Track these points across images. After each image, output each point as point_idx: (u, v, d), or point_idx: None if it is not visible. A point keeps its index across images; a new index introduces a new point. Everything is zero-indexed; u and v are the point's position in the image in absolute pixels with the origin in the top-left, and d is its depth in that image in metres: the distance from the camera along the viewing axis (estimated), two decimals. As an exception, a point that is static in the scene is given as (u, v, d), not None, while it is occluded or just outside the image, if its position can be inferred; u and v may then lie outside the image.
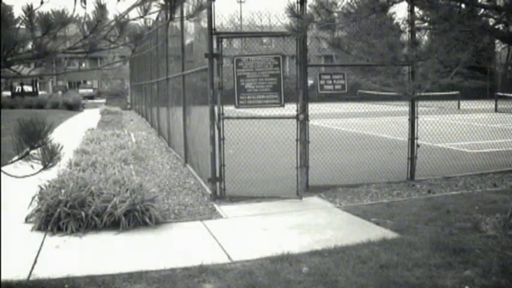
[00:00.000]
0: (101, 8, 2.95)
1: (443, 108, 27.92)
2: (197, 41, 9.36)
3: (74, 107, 33.30)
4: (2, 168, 3.16)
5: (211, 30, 7.33)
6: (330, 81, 7.92)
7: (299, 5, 7.04)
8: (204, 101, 7.92)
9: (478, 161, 10.07)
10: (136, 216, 6.00)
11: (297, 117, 7.49)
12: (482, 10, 6.05)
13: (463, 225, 5.89)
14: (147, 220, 6.02)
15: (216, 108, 7.47)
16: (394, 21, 7.65)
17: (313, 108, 8.74)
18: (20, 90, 41.24)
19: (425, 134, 11.08)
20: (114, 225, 5.91)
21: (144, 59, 19.86)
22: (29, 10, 2.82)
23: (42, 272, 4.63)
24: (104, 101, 42.82)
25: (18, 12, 2.91)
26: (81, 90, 59.39)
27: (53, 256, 5.13)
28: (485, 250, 4.98)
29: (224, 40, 7.82)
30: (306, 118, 7.62)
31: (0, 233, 5.16)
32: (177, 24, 10.81)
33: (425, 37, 7.76)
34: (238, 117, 7.84)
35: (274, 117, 8.05)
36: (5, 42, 2.79)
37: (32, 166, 4.20)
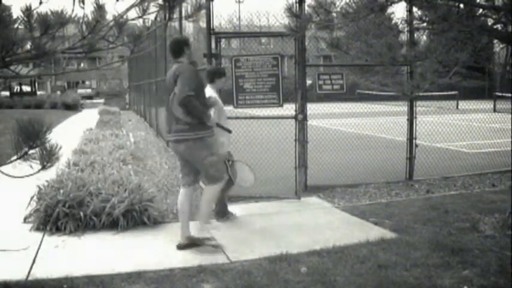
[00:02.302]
0: (100, 8, 2.95)
1: (441, 108, 27.94)
2: (196, 41, 9.37)
3: (72, 107, 33.27)
4: (1, 169, 3.16)
5: (209, 31, 7.33)
6: (329, 81, 7.92)
7: (298, 4, 7.04)
8: (202, 101, 7.91)
9: (476, 161, 10.08)
10: (135, 216, 6.00)
11: (295, 117, 7.50)
12: (480, 10, 6.06)
13: (461, 225, 5.90)
14: (146, 220, 6.02)
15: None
16: (393, 21, 7.65)
17: (312, 108, 8.75)
18: (18, 90, 41.25)
19: (423, 134, 11.09)
20: (113, 225, 5.91)
21: (142, 59, 19.83)
22: (28, 10, 2.82)
23: (41, 272, 4.63)
24: (102, 101, 42.80)
25: (17, 12, 2.91)
26: (80, 90, 59.28)
27: (51, 256, 5.12)
28: (484, 250, 4.98)
29: (223, 40, 7.83)
30: (305, 118, 7.62)
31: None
32: (176, 24, 10.81)
33: (424, 37, 7.78)
34: (236, 117, 7.84)
35: (273, 117, 8.05)
36: (3, 42, 2.79)
37: (31, 166, 4.20)
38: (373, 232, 5.70)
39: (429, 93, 21.09)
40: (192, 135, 5.23)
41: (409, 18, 7.27)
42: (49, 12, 2.86)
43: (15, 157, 3.08)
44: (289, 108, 7.51)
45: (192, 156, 5.34)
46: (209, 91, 6.06)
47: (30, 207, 6.30)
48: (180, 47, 5.46)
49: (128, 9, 3.10)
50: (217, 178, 5.44)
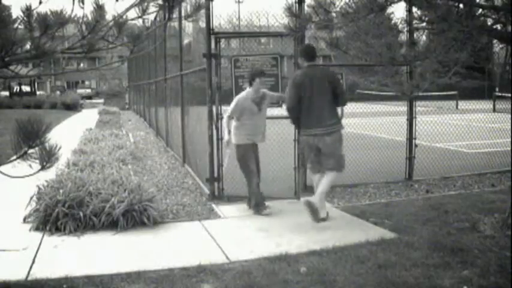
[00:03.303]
0: (99, 8, 2.95)
1: (441, 108, 27.92)
2: (195, 41, 9.36)
3: (72, 107, 33.25)
4: (1, 169, 3.16)
5: (209, 31, 7.32)
6: (328, 81, 7.88)
7: (297, 4, 7.05)
8: (202, 101, 7.92)
9: (476, 161, 10.08)
10: (135, 216, 5.99)
11: (295, 117, 7.48)
12: (480, 10, 6.06)
13: (461, 225, 5.90)
14: (145, 220, 6.02)
15: (214, 108, 7.47)
16: (392, 21, 7.65)
17: (312, 108, 8.70)
18: (18, 90, 41.20)
19: (423, 134, 11.09)
20: (112, 225, 5.91)
21: (142, 59, 19.84)
22: (28, 10, 2.82)
23: (41, 272, 4.62)
24: (102, 101, 42.78)
25: (16, 12, 2.91)
26: (80, 90, 59.29)
27: (51, 256, 5.12)
28: (484, 250, 4.98)
29: (222, 40, 7.82)
30: (304, 118, 7.61)
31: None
32: (175, 24, 10.80)
33: (424, 37, 7.77)
34: (236, 117, 7.82)
35: (272, 117, 8.04)
36: (3, 42, 2.79)
37: (30, 166, 4.21)
38: (373, 232, 5.70)
39: (429, 93, 21.08)
40: (339, 128, 6.40)
41: (409, 18, 7.26)
42: (48, 12, 2.86)
43: (14, 157, 3.08)
44: (289, 108, 7.48)
45: (335, 146, 6.29)
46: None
47: (29, 207, 6.30)
48: (315, 52, 6.37)
49: (127, 9, 3.10)
50: (343, 167, 6.42)
